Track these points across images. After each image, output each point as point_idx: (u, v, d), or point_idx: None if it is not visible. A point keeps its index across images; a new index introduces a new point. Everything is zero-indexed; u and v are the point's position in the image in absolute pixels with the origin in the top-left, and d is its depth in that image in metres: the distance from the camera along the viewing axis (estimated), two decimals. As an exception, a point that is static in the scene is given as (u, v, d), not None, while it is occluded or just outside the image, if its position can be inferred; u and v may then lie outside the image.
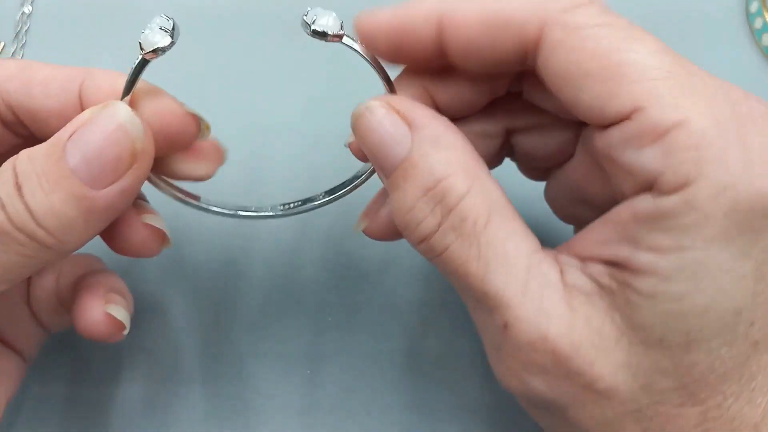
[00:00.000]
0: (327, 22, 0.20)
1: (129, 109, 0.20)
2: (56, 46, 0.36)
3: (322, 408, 0.29)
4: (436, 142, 0.21)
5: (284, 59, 0.35)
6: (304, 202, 0.25)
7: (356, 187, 0.25)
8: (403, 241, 0.23)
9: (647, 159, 0.18)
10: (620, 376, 0.19)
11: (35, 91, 0.22)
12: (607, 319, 0.19)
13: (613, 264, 0.19)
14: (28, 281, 0.26)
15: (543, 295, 0.19)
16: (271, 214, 0.25)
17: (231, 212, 0.24)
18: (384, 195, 0.24)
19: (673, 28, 0.36)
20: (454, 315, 0.31)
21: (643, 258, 0.18)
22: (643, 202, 0.18)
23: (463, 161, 0.20)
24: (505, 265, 0.19)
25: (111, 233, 0.23)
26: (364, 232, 0.25)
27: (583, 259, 0.20)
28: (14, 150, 0.21)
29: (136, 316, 0.26)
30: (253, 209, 0.25)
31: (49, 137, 0.20)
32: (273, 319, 0.31)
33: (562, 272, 0.20)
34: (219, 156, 0.24)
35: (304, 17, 0.21)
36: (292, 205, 0.25)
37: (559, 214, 0.27)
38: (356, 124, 0.22)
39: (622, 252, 0.19)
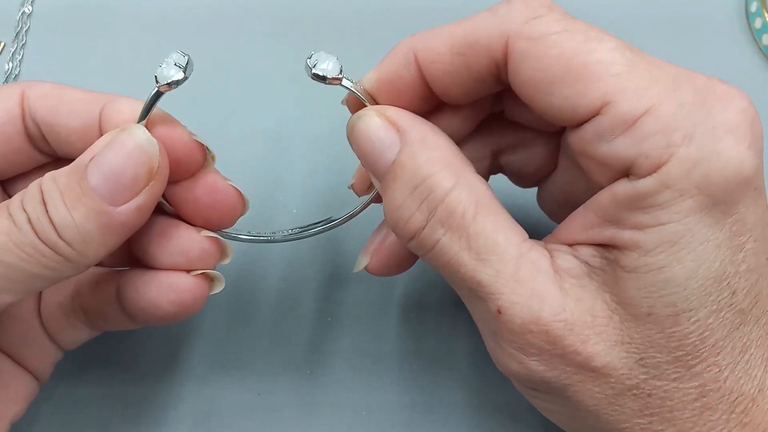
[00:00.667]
0: (327, 66, 0.21)
1: (146, 131, 0.21)
2: (56, 46, 0.36)
3: (322, 408, 0.29)
4: (423, 143, 0.21)
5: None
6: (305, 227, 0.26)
7: (355, 215, 0.25)
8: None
9: (620, 148, 0.19)
10: (615, 352, 0.20)
11: (62, 110, 0.23)
12: (598, 299, 0.20)
13: (599, 245, 0.20)
14: (39, 297, 0.26)
15: (535, 279, 0.20)
16: (267, 238, 0.26)
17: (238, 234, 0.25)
18: (380, 231, 0.25)
19: (673, 29, 0.36)
20: (454, 315, 0.31)
21: (626, 235, 0.19)
22: (622, 187, 0.19)
23: (447, 159, 0.21)
24: (496, 254, 0.20)
25: (166, 247, 0.23)
26: (366, 269, 0.25)
27: (571, 245, 0.21)
28: (36, 170, 0.23)
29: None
30: (254, 233, 0.26)
31: (67, 156, 0.21)
32: (273, 319, 0.31)
33: (551, 258, 0.21)
34: (241, 204, 0.24)
35: (308, 60, 0.22)
36: (291, 231, 0.26)
37: (552, 217, 0.27)
38: (350, 133, 0.23)
39: (607, 232, 0.20)
